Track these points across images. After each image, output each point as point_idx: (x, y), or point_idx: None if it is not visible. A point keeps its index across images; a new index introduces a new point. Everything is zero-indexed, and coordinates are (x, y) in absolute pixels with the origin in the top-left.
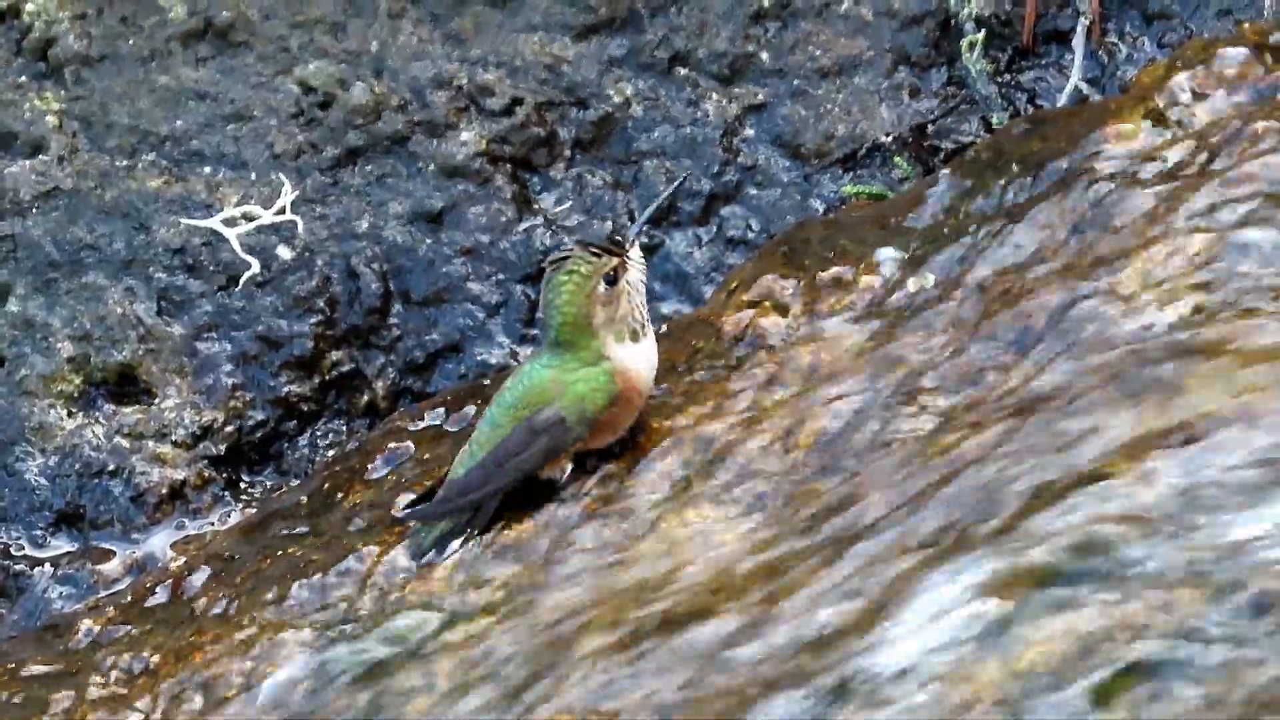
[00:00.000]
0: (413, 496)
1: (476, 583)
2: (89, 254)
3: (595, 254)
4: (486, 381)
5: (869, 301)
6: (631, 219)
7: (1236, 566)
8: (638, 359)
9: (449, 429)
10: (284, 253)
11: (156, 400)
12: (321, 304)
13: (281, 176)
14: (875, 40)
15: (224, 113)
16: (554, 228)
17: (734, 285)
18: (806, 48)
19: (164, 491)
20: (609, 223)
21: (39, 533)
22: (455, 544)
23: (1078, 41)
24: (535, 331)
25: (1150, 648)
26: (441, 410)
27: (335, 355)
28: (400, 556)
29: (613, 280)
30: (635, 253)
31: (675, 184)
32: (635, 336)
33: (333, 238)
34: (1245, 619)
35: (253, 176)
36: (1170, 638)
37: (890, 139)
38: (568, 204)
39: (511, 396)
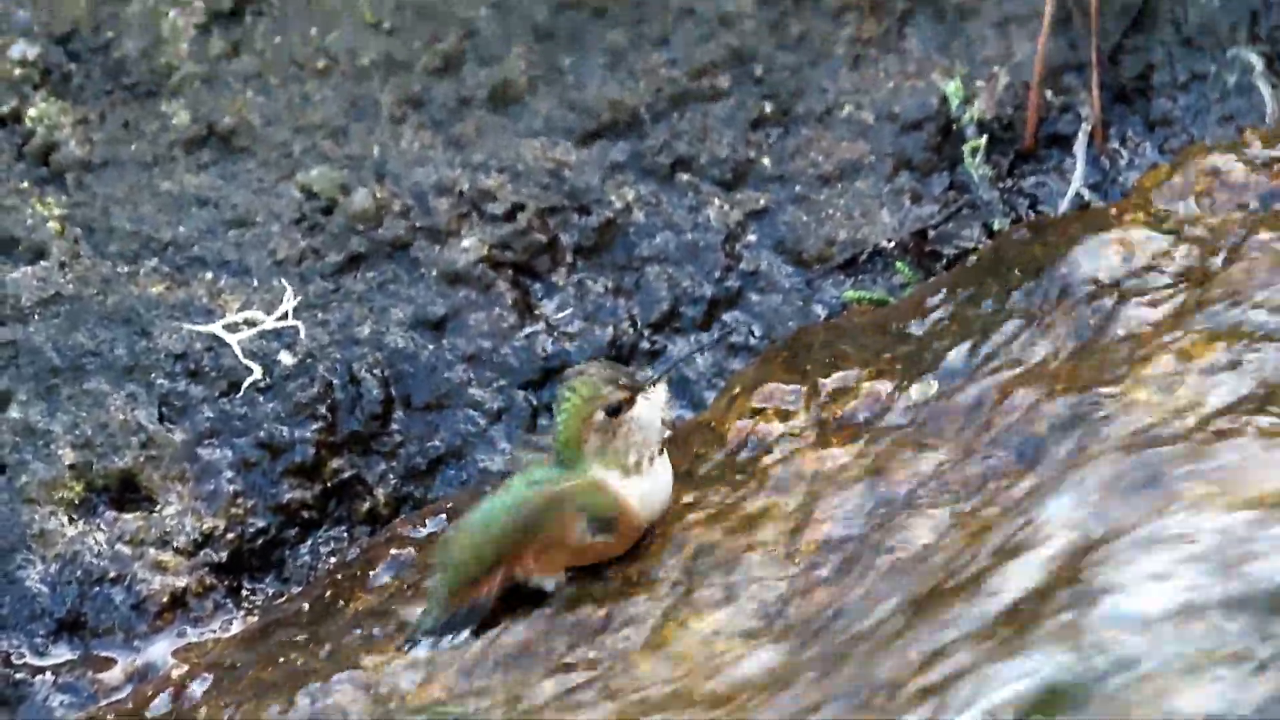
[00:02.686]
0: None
1: (479, 691)
2: (90, 360)
3: (608, 381)
4: (488, 489)
5: (872, 408)
6: (634, 325)
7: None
8: (630, 491)
9: None
10: (286, 358)
11: (158, 507)
12: (323, 410)
13: (283, 282)
14: (876, 145)
15: (226, 218)
16: (556, 334)
17: (736, 391)
18: (808, 153)
19: (165, 599)
20: (611, 326)
21: (39, 640)
22: (448, 639)
23: (1079, 146)
24: (536, 438)
25: None
26: (443, 517)
27: (337, 462)
28: (402, 666)
29: (615, 412)
30: (655, 391)
31: (721, 333)
32: (629, 470)
33: (334, 344)
34: None
35: (255, 282)
36: None
37: (892, 244)
38: (569, 310)
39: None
